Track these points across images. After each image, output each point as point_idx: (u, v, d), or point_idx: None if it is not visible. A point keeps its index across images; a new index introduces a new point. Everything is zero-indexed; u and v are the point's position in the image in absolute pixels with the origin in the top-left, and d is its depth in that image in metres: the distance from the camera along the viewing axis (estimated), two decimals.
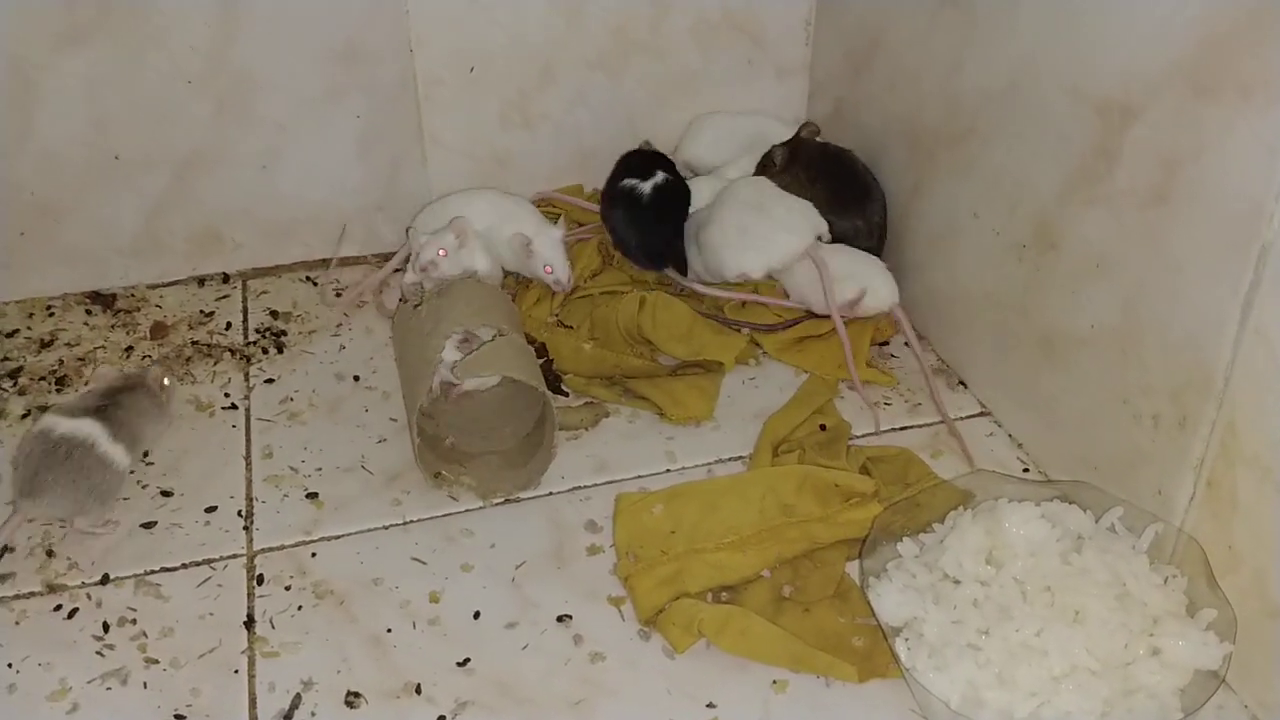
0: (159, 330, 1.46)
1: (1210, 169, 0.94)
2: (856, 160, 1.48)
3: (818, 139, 1.53)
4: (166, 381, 1.26)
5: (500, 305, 1.30)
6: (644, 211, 1.46)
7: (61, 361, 1.40)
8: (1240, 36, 0.89)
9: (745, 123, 1.61)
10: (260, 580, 1.10)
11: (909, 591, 1.01)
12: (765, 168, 1.51)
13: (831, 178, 1.47)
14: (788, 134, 1.54)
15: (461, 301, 1.26)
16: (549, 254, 1.41)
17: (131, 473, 1.20)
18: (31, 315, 1.49)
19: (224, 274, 1.58)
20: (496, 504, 1.20)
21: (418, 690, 1.00)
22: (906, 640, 0.98)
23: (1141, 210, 1.02)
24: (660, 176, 1.46)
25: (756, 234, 1.41)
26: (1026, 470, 1.24)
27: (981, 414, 1.32)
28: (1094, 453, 1.14)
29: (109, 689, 1.00)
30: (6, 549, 1.13)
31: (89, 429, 1.13)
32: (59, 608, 1.08)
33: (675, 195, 1.48)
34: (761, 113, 1.63)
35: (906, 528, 1.09)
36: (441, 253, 1.35)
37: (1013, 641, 0.95)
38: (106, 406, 1.16)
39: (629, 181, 1.46)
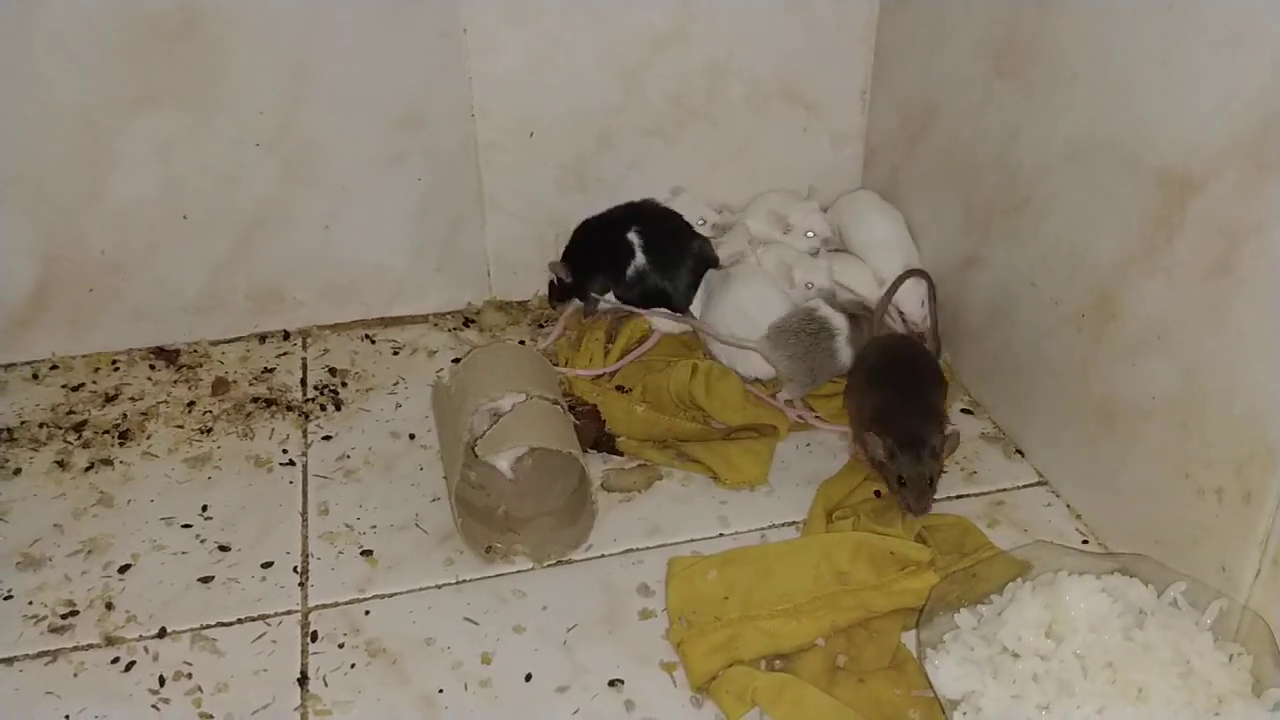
0: (220, 386, 1.48)
1: (1274, 242, 0.93)
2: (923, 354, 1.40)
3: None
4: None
5: (525, 367, 1.27)
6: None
7: (125, 416, 1.42)
8: None
9: None
10: (314, 637, 1.11)
11: (967, 664, 0.99)
12: None
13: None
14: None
15: (484, 371, 1.25)
16: None
17: (188, 526, 1.24)
18: (97, 370, 1.52)
19: (285, 331, 1.60)
20: (549, 565, 1.20)
21: None
22: (965, 714, 0.96)
23: (1203, 282, 1.02)
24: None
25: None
26: (1085, 541, 1.22)
27: (1039, 483, 1.30)
28: (1155, 525, 1.12)
29: None
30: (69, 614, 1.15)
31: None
32: (116, 660, 1.09)
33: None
34: None
35: (964, 599, 1.07)
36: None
37: (1074, 719, 0.93)
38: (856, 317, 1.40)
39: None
